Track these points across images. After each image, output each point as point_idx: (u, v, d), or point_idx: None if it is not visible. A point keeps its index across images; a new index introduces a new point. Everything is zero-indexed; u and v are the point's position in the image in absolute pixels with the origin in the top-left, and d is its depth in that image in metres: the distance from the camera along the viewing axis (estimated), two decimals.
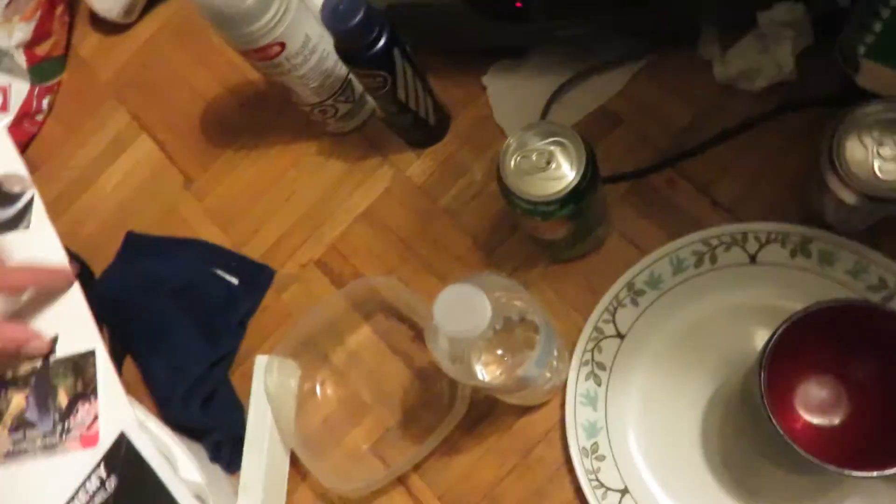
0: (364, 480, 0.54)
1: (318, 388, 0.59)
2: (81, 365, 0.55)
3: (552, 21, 0.53)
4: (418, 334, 0.58)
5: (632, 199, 0.56)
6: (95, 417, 0.53)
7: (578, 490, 0.50)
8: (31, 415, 0.55)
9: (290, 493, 0.56)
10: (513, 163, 0.46)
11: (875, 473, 0.38)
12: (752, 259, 0.51)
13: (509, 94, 0.60)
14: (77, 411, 0.54)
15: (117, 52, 0.76)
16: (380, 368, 0.58)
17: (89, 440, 0.53)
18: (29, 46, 0.73)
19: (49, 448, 0.54)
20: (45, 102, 0.75)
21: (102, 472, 0.51)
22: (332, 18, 0.46)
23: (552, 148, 0.45)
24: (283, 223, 0.64)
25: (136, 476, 0.50)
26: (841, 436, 0.44)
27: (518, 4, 0.51)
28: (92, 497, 0.51)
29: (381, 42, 0.48)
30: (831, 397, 0.45)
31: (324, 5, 0.46)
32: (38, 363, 0.57)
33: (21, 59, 0.73)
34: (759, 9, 0.52)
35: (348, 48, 0.49)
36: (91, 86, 0.76)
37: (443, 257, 0.59)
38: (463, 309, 0.38)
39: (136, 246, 0.67)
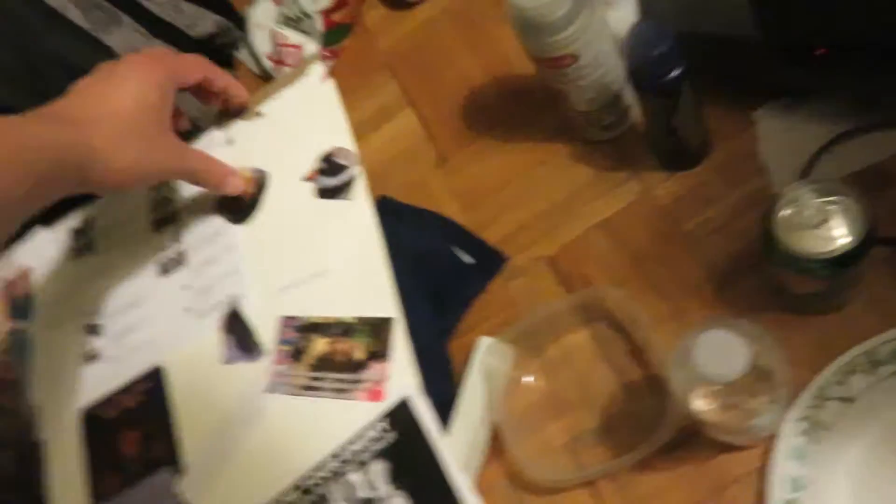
0: (556, 474, 0.57)
1: (527, 377, 0.62)
2: (380, 328, 0.63)
3: (852, 74, 0.52)
4: (635, 349, 0.60)
5: (890, 267, 0.54)
6: (384, 377, 0.61)
7: None
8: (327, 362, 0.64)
9: (485, 464, 0.60)
10: (784, 213, 0.46)
11: None
12: None
13: (780, 134, 0.60)
14: (370, 367, 0.61)
15: (398, 27, 0.83)
16: (590, 373, 0.60)
17: (375, 395, 0.61)
18: (327, 12, 0.81)
19: (340, 392, 0.62)
20: (329, 65, 0.84)
21: (386, 424, 0.59)
22: (638, 44, 0.48)
23: (830, 208, 0.45)
24: (523, 216, 0.68)
25: (411, 436, 0.57)
26: None
27: (824, 51, 0.51)
28: (371, 443, 0.59)
29: (677, 72, 0.50)
30: None
31: (632, 29, 0.48)
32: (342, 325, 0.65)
33: (319, 23, 0.81)
34: None
35: (643, 73, 0.51)
36: (369, 55, 0.83)
37: (673, 282, 0.60)
38: (722, 352, 0.39)
39: (386, 210, 0.73)
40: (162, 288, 0.72)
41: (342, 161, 0.69)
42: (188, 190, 0.75)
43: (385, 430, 0.58)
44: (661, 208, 0.63)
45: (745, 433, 0.49)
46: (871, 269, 0.54)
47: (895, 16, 0.48)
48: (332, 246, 0.68)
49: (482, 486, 0.60)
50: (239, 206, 0.73)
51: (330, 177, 0.69)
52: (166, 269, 0.72)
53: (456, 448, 0.58)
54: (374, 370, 0.61)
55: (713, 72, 0.59)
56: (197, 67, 0.71)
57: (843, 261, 0.44)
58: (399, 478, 0.57)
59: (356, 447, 0.59)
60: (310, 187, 0.70)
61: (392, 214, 0.72)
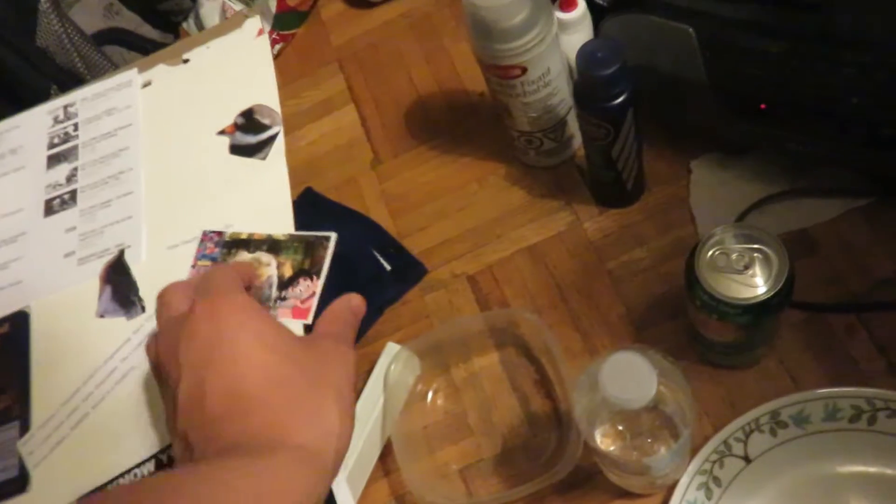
0: (445, 499, 0.54)
1: (430, 394, 0.59)
2: (314, 246, 0.58)
3: (789, 133, 0.52)
4: (543, 379, 0.58)
5: (804, 330, 0.54)
6: (312, 294, 0.56)
7: None
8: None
9: (370, 481, 0.57)
10: (710, 254, 0.45)
11: None
12: None
13: (713, 186, 0.60)
14: (298, 284, 0.57)
15: (354, 24, 0.81)
16: (494, 398, 0.58)
17: (300, 313, 0.56)
18: None
19: (262, 305, 0.56)
20: (276, 48, 0.81)
21: None
22: (588, 62, 0.47)
23: (755, 255, 0.44)
24: (450, 230, 0.66)
25: None
26: None
27: (762, 106, 0.51)
28: None
29: (622, 98, 0.49)
30: None
31: (583, 47, 0.47)
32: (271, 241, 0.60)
33: (273, 3, 0.78)
34: None
35: (589, 94, 0.50)
36: (320, 46, 0.81)
37: (592, 317, 0.59)
38: (631, 377, 0.38)
39: (310, 202, 0.70)
40: (44, 228, 0.65)
41: (264, 119, 0.65)
42: (91, 127, 0.69)
43: None
44: (589, 242, 0.62)
45: (643, 477, 0.48)
46: (785, 331, 0.54)
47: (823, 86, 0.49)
48: (239, 206, 0.62)
49: (367, 501, 0.56)
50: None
51: (248, 134, 0.65)
52: (52, 208, 0.66)
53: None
54: (301, 286, 0.57)
55: (659, 111, 0.59)
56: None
57: (760, 309, 0.44)
58: None
59: None
60: (224, 142, 0.66)
61: (314, 207, 0.69)
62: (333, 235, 0.58)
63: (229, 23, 0.71)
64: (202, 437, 0.42)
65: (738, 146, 0.59)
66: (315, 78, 0.79)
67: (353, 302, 0.52)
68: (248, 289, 0.52)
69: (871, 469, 0.49)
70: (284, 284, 0.58)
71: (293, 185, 0.71)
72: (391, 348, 0.58)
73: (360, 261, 0.65)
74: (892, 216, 0.56)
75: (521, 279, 0.62)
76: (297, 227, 0.67)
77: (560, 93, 0.57)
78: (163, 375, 0.46)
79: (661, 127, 0.62)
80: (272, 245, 0.59)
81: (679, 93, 0.54)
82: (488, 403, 0.58)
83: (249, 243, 0.60)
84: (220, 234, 0.61)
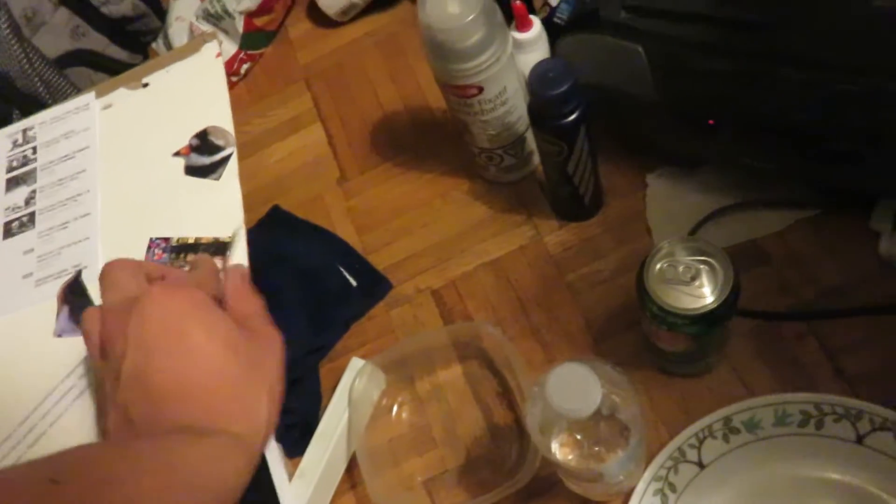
0: None
1: (395, 408, 0.60)
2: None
3: (738, 148, 0.54)
4: (505, 391, 0.59)
5: (755, 339, 0.56)
6: None
7: None
8: None
9: (336, 494, 0.58)
10: (658, 267, 0.47)
11: None
12: (859, 439, 0.50)
13: (668, 200, 0.62)
14: None
15: (321, 43, 0.82)
16: (458, 410, 0.59)
17: None
18: (250, 15, 0.80)
19: None
20: (244, 68, 0.82)
21: None
22: (540, 82, 0.49)
23: (701, 266, 0.46)
24: (415, 245, 0.67)
25: None
26: None
27: (710, 122, 0.53)
28: None
29: (574, 116, 0.50)
30: None
31: (535, 67, 0.49)
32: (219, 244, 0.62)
33: (240, 24, 0.79)
34: None
35: (542, 112, 0.51)
36: (288, 65, 0.82)
37: (553, 329, 0.60)
38: (575, 388, 0.39)
39: (277, 220, 0.71)
40: (3, 250, 0.66)
41: (217, 140, 0.66)
42: (49, 150, 0.70)
43: None
44: (550, 256, 0.63)
45: (599, 484, 0.49)
46: (737, 340, 0.56)
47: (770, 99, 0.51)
48: (194, 225, 0.63)
49: None
50: None
51: (202, 155, 0.66)
52: (11, 230, 0.66)
53: (309, 470, 0.55)
54: None
55: (614, 127, 0.60)
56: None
57: (708, 319, 0.45)
58: None
59: None
60: (180, 163, 0.67)
61: (282, 225, 0.70)
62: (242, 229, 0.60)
63: (189, 46, 0.72)
64: (146, 413, 0.46)
65: (691, 160, 0.61)
66: (282, 96, 0.80)
67: (243, 272, 0.56)
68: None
69: (819, 473, 0.50)
70: None
71: (261, 203, 0.73)
72: (356, 363, 0.59)
73: (327, 276, 0.66)
74: (838, 226, 0.58)
75: (483, 293, 0.63)
76: (260, 244, 0.68)
77: (517, 110, 0.58)
78: (106, 349, 0.49)
79: (618, 142, 0.64)
80: (218, 247, 0.60)
81: (632, 109, 0.56)
82: (452, 416, 0.59)
83: (197, 247, 0.61)
84: (167, 240, 0.62)
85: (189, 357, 0.47)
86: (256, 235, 0.70)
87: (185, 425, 0.46)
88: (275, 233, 0.69)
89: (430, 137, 0.72)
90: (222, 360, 0.48)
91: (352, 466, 0.58)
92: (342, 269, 0.66)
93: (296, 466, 0.56)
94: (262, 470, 0.51)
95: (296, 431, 0.59)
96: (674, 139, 0.57)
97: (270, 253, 0.67)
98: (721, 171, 0.61)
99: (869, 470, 0.49)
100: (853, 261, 0.56)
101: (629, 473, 0.50)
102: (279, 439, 0.59)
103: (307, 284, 0.65)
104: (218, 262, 0.59)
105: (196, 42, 0.71)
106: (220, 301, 0.53)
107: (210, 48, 0.70)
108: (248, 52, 0.82)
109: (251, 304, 0.54)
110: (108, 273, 0.52)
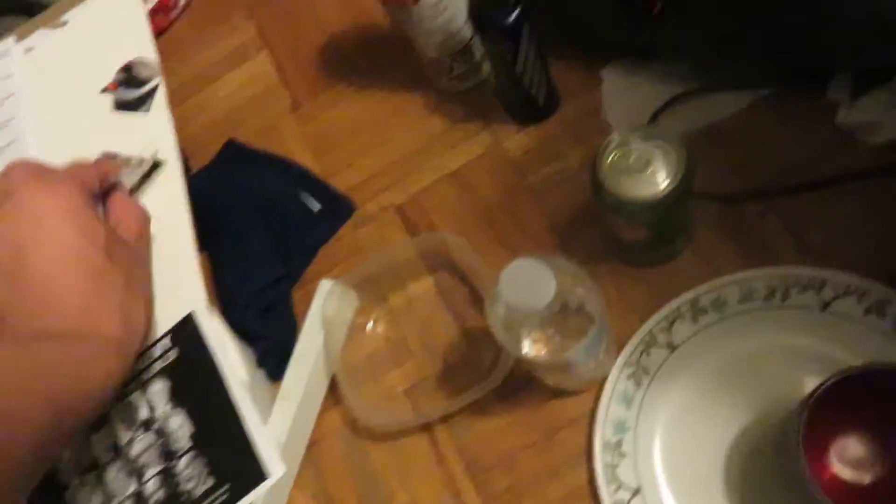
0: (392, 419, 0.57)
1: (370, 324, 0.61)
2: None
3: (686, 32, 0.53)
4: (476, 298, 0.60)
5: (718, 221, 0.56)
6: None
7: (592, 480, 0.51)
8: None
9: (321, 413, 0.59)
10: (611, 158, 0.46)
11: None
12: (824, 307, 0.51)
13: (624, 93, 0.61)
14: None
15: (202, 36, 0.79)
16: (432, 320, 0.60)
17: None
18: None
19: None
20: (181, 0, 0.79)
21: (167, 342, 0.55)
22: None
23: (654, 152, 0.46)
24: (375, 164, 0.67)
25: (195, 355, 0.53)
26: (868, 494, 0.44)
27: (660, 10, 0.52)
28: (151, 363, 0.55)
29: (515, 14, 0.49)
30: (867, 455, 0.45)
31: None
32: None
33: None
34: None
35: (482, 13, 0.50)
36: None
37: (518, 232, 0.60)
38: (529, 283, 0.39)
39: (233, 154, 0.70)
40: None
41: (143, 73, 0.65)
42: None
43: (167, 348, 0.55)
44: (509, 161, 0.63)
45: (571, 374, 0.50)
46: (701, 224, 0.56)
47: None
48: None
49: (322, 432, 0.59)
50: None
51: (129, 88, 0.65)
52: None
53: (290, 392, 0.56)
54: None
55: (565, 25, 0.59)
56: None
57: (663, 204, 0.45)
58: (179, 396, 0.53)
59: (138, 366, 0.55)
60: (108, 99, 0.65)
61: (237, 159, 0.69)
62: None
63: None
64: (19, 311, 0.46)
65: (644, 52, 0.60)
66: (226, 27, 0.78)
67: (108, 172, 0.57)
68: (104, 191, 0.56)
69: (787, 340, 0.51)
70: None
71: (215, 140, 0.71)
72: (325, 285, 0.59)
73: (288, 203, 0.65)
74: (794, 104, 0.58)
75: (447, 205, 0.63)
76: (218, 180, 0.67)
77: (460, 16, 0.57)
78: None
79: (568, 38, 0.62)
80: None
81: (580, 6, 0.55)
82: (426, 326, 0.60)
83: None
84: None
85: (63, 255, 0.47)
86: (212, 172, 0.69)
87: (61, 328, 0.46)
88: (231, 167, 0.69)
89: (380, 55, 0.71)
90: (97, 260, 0.48)
91: (335, 385, 0.59)
92: (303, 195, 0.66)
93: (279, 389, 0.57)
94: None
95: (274, 356, 0.60)
96: (622, 31, 0.56)
97: (229, 188, 0.66)
98: (675, 59, 0.60)
99: (834, 336, 0.50)
100: (811, 136, 0.56)
101: (600, 362, 0.51)
102: (260, 364, 0.60)
103: (269, 214, 0.65)
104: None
105: None
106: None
107: None
108: None
109: (131, 211, 0.54)
110: (5, 170, 0.51)
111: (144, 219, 0.56)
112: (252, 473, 0.50)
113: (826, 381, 0.42)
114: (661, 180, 0.46)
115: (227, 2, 0.79)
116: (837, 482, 0.45)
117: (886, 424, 0.45)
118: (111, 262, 0.49)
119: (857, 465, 0.45)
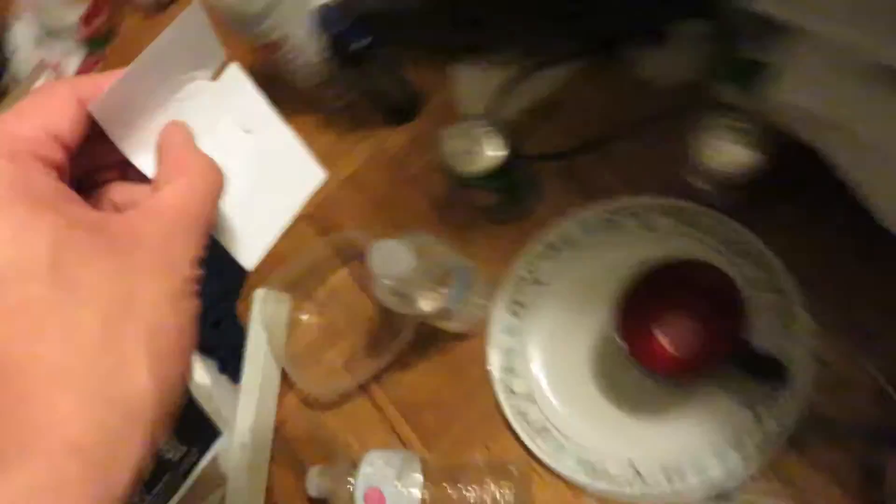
0: (337, 389, 0.69)
1: (304, 317, 0.73)
2: None
3: (504, 30, 0.66)
4: None
5: (558, 177, 0.68)
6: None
7: (495, 395, 0.64)
8: None
9: (279, 398, 0.71)
10: (449, 145, 0.59)
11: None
12: (648, 227, 0.64)
13: (469, 84, 0.74)
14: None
15: (156, 31, 0.90)
16: (353, 303, 0.72)
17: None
18: (87, 19, 0.87)
19: None
20: (96, 70, 0.90)
21: None
22: (322, 23, 0.60)
23: (481, 134, 0.59)
24: None
25: None
26: (688, 363, 0.57)
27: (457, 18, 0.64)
28: None
29: (360, 44, 0.61)
30: (683, 330, 0.57)
31: (315, 12, 0.59)
32: None
33: (79, 32, 0.87)
34: (668, 24, 0.65)
35: (332, 48, 0.62)
36: (131, 58, 0.90)
37: (407, 216, 0.73)
38: (390, 258, 0.51)
39: None
40: None
41: None
42: None
43: None
44: (392, 158, 0.76)
45: (457, 319, 0.63)
46: (548, 181, 0.69)
47: None
48: None
49: (284, 413, 0.71)
50: None
51: None
52: None
53: (250, 387, 0.69)
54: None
55: (405, 39, 0.72)
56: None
57: (497, 174, 0.58)
58: None
59: None
60: None
61: None
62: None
63: (30, 79, 0.78)
64: None
65: (477, 48, 0.73)
66: None
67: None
68: None
69: (621, 253, 0.63)
70: None
71: None
72: (259, 293, 0.71)
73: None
74: (608, 70, 0.70)
75: (348, 206, 0.76)
76: None
77: (314, 53, 0.69)
78: None
79: (416, 49, 0.75)
80: None
81: (405, 22, 0.67)
82: (350, 309, 0.72)
83: None
84: None
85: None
86: None
87: None
88: None
89: (271, 90, 0.82)
90: (41, 290, 0.27)
91: (286, 374, 0.72)
92: None
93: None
94: None
95: (231, 362, 0.72)
96: (452, 38, 0.69)
97: None
98: (504, 49, 0.73)
99: (656, 247, 0.63)
100: (621, 92, 0.69)
101: (479, 305, 0.64)
102: (222, 371, 0.72)
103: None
104: None
105: (35, 73, 0.79)
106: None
107: (47, 75, 0.78)
108: (95, 56, 0.90)
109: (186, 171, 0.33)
110: None
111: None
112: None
113: (637, 273, 0.55)
114: (492, 155, 0.58)
115: None
116: (666, 354, 0.58)
117: (695, 305, 0.58)
118: (73, 289, 0.28)
119: (675, 338, 0.58)
